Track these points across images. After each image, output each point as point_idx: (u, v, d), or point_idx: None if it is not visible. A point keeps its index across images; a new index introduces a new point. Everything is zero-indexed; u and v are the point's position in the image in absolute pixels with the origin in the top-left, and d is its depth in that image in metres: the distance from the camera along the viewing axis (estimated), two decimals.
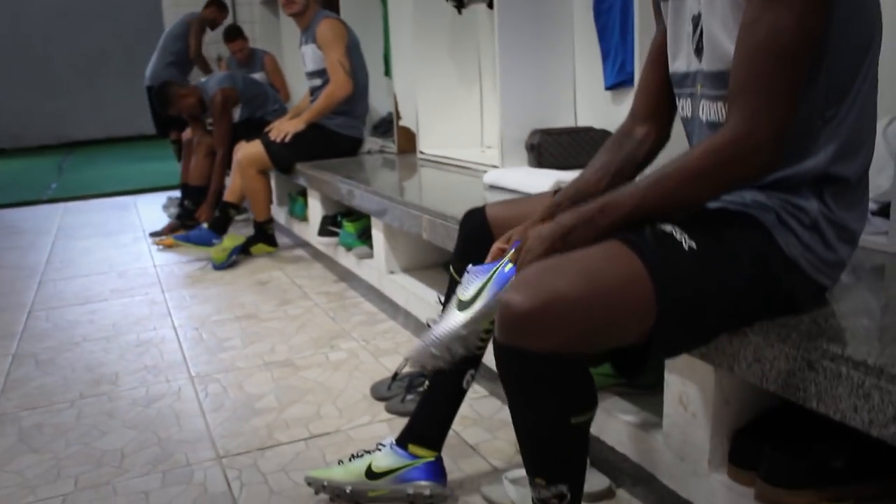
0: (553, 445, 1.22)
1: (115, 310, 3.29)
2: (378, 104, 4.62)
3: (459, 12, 3.39)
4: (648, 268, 1.13)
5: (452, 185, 2.86)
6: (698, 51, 1.27)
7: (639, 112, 1.45)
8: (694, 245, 1.16)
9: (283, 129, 3.84)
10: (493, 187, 2.64)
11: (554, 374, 1.14)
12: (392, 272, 2.90)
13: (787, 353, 1.13)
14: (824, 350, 1.08)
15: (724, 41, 1.18)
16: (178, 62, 5.78)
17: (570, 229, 1.21)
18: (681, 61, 1.33)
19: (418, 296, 2.67)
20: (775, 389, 1.16)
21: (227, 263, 3.80)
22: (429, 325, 1.36)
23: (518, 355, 1.12)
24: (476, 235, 1.61)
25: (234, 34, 5.64)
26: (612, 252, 1.15)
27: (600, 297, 1.11)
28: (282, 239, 4.38)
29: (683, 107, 1.35)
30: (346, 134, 3.93)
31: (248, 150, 3.80)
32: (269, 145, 3.80)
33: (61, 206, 6.41)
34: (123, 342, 2.87)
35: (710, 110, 1.26)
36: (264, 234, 3.94)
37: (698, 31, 1.26)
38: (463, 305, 1.30)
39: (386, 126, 4.47)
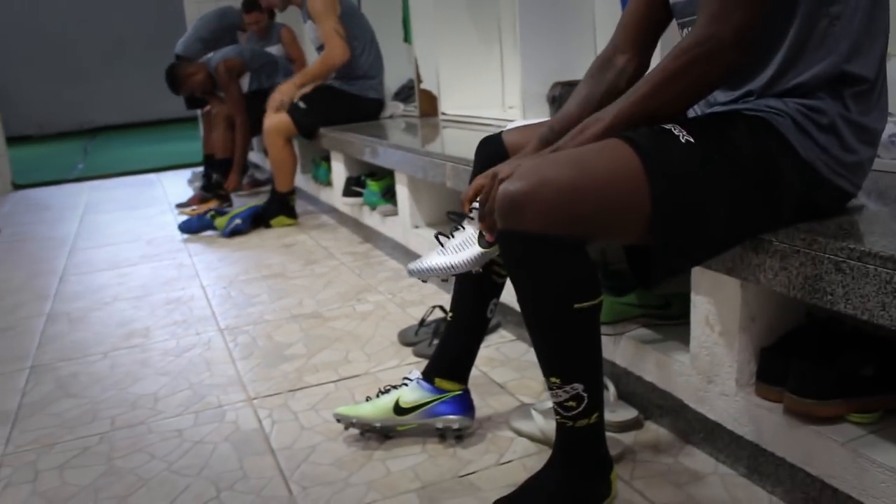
0: (561, 334, 1.24)
1: (144, 272, 3.34)
2: (398, 71, 4.62)
3: None
4: (641, 156, 1.17)
5: (475, 138, 2.86)
6: None
7: (621, 41, 1.49)
8: (692, 139, 1.19)
9: (277, 97, 3.85)
10: None
11: (553, 255, 1.18)
12: (417, 226, 2.91)
13: (814, 257, 1.14)
14: (851, 250, 1.09)
15: None
16: (209, 39, 5.79)
17: (555, 150, 1.27)
18: None
19: None
20: (802, 296, 1.17)
21: (228, 230, 3.84)
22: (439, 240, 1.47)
23: (517, 237, 1.18)
24: (492, 162, 1.62)
25: (251, 6, 5.65)
26: (607, 145, 1.21)
27: (591, 182, 1.17)
28: (306, 206, 4.42)
29: (685, 36, 1.36)
30: (366, 97, 3.96)
31: (274, 120, 3.82)
32: (293, 112, 3.82)
33: (87, 184, 6.49)
34: (153, 300, 2.91)
35: None
36: (286, 205, 3.95)
37: None
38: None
39: (407, 92, 4.48)
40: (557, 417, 1.30)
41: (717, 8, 1.14)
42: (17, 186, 6.51)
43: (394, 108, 4.19)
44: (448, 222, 1.65)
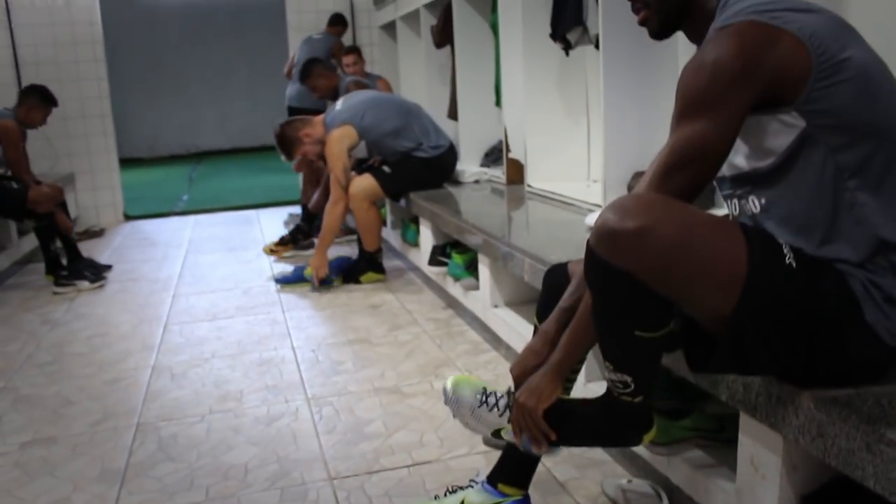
0: (619, 343, 1.43)
1: (239, 327, 3.58)
2: (488, 133, 4.79)
3: (567, 54, 3.53)
4: (749, 249, 1.29)
5: (557, 225, 2.99)
6: None
7: None
8: (794, 264, 1.31)
9: (315, 273, 4.11)
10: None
11: (626, 291, 1.32)
12: (496, 306, 3.06)
13: (848, 433, 1.23)
14: (881, 434, 1.17)
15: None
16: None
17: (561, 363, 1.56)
18: None
19: (519, 332, 2.82)
20: (836, 465, 1.26)
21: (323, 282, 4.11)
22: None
23: (601, 264, 1.32)
24: (558, 292, 1.75)
25: (353, 49, 5.94)
26: (721, 221, 1.35)
27: (691, 249, 1.28)
28: (394, 262, 4.61)
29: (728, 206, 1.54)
30: (436, 156, 4.19)
31: (360, 184, 4.05)
32: (378, 176, 4.05)
33: (192, 218, 6.88)
34: (247, 360, 3.14)
35: (737, 206, 1.49)
36: (374, 262, 4.17)
37: None
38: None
39: (496, 154, 4.64)
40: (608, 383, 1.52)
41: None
42: (129, 217, 6.96)
43: (480, 172, 4.35)
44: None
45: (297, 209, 6.48)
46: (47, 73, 6.51)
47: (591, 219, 2.81)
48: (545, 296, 1.81)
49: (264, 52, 12.19)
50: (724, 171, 1.45)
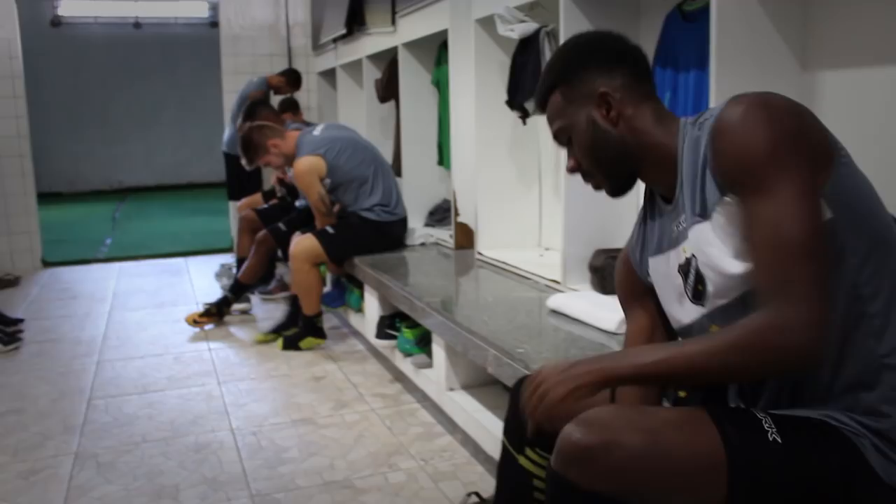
0: None
1: (172, 402, 3.33)
2: (429, 191, 4.66)
3: (524, 122, 3.43)
4: (727, 448, 1.14)
5: (516, 305, 2.85)
6: (697, 296, 1.31)
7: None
8: (779, 439, 1.16)
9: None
10: (556, 313, 2.63)
11: None
12: (452, 389, 2.90)
13: None
14: None
15: (728, 264, 1.22)
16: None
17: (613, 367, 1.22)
18: (682, 315, 1.37)
19: (477, 419, 2.66)
20: None
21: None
22: None
23: (568, 488, 1.16)
24: None
25: (286, 106, 5.74)
26: (691, 419, 1.19)
27: (665, 458, 1.14)
28: (332, 321, 4.41)
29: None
30: (388, 221, 4.05)
31: (302, 244, 3.86)
32: (321, 237, 3.87)
33: (116, 266, 6.54)
34: (182, 445, 2.89)
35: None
36: (314, 327, 3.95)
37: (691, 277, 1.31)
38: None
39: (441, 214, 4.51)
40: None
41: (787, 302, 1.10)
42: (47, 264, 6.57)
43: (426, 234, 4.21)
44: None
45: (228, 258, 6.23)
46: None
47: (553, 302, 2.69)
48: (516, 416, 1.64)
49: (195, 88, 11.90)
50: (710, 305, 1.29)
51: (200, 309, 4.58)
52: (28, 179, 6.44)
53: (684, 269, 1.33)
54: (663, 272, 1.40)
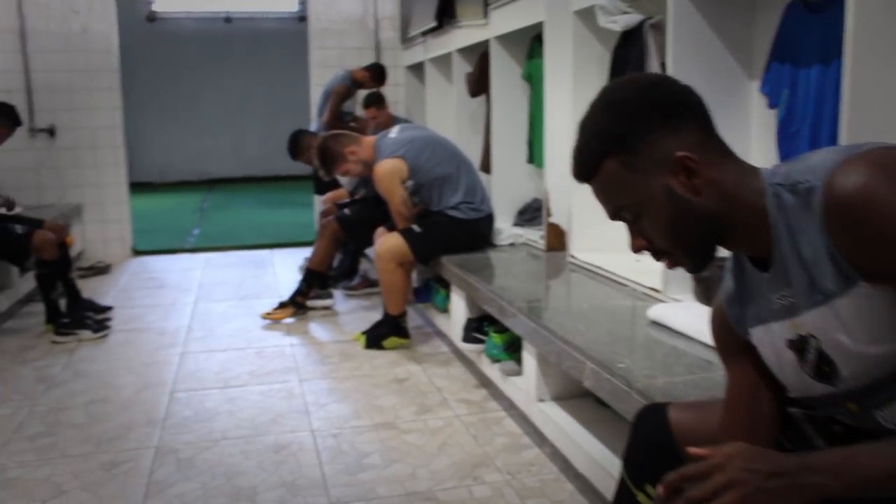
0: None
1: (252, 399, 3.27)
2: (519, 189, 4.50)
3: None
4: None
5: (613, 314, 2.67)
6: (823, 376, 1.12)
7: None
8: None
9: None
10: (657, 324, 2.45)
11: None
12: (542, 399, 2.74)
13: None
14: None
15: (865, 349, 1.06)
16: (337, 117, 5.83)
17: (804, 485, 0.99)
18: (800, 386, 1.19)
19: (569, 434, 2.50)
20: None
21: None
22: None
23: None
24: (655, 442, 1.44)
25: (371, 101, 5.67)
26: None
27: None
28: (417, 321, 4.30)
29: (840, 418, 1.21)
30: (474, 218, 3.92)
31: (388, 243, 3.76)
32: (408, 236, 3.75)
33: (202, 256, 6.59)
34: (262, 445, 2.82)
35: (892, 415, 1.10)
36: (398, 327, 3.85)
37: (810, 356, 1.13)
38: None
39: (530, 213, 4.35)
40: None
41: None
42: (137, 252, 6.67)
43: (514, 234, 4.06)
44: None
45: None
46: (60, 101, 6.28)
47: (654, 312, 2.51)
48: (636, 448, 1.48)
49: (283, 81, 11.99)
50: (843, 385, 1.11)
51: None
52: (121, 170, 6.56)
53: (797, 345, 1.15)
54: (768, 342, 1.21)
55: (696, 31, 2.69)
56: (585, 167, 1.20)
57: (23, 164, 6.20)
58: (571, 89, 3.47)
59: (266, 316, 4.42)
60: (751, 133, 2.79)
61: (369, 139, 4.05)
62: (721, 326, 1.32)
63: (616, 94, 1.20)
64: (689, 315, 2.40)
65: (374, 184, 3.96)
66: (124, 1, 7.04)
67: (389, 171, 3.82)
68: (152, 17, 12.19)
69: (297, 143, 5.11)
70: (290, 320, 4.41)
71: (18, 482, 2.59)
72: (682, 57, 2.66)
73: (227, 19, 12.36)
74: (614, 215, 1.21)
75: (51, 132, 6.28)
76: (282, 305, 4.46)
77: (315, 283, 4.56)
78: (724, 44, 2.74)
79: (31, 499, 2.47)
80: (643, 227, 1.18)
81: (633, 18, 3.07)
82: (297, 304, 4.46)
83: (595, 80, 3.43)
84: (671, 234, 1.17)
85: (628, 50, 3.16)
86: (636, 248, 1.21)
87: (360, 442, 2.82)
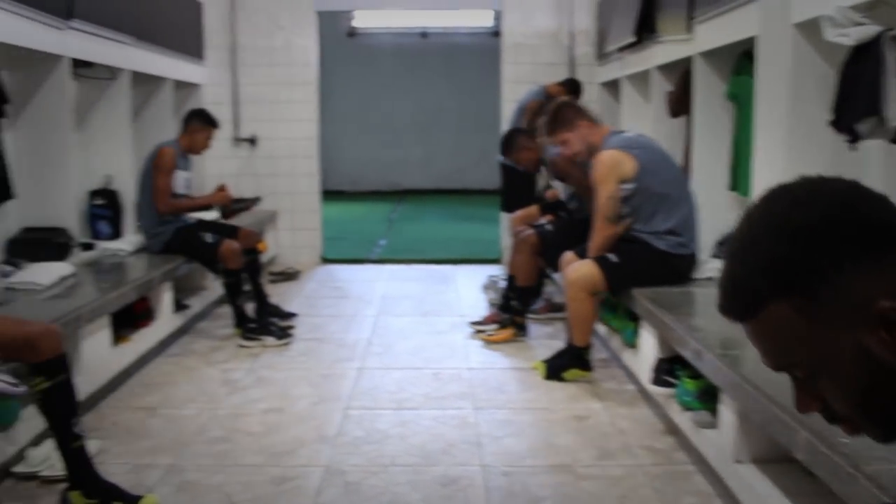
0: None
1: (425, 424, 3.17)
2: (719, 218, 4.12)
3: (853, 147, 2.86)
4: None
5: None
6: None
7: None
8: None
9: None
10: None
11: None
12: (739, 461, 2.43)
13: None
14: None
15: None
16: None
17: None
18: None
19: None
20: None
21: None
22: None
23: None
24: None
25: (566, 85, 5.47)
26: None
27: None
28: (600, 353, 4.04)
29: None
30: (677, 253, 3.56)
31: (581, 270, 3.52)
32: (604, 264, 3.50)
33: (386, 268, 6.66)
34: (430, 476, 2.70)
35: None
36: (581, 359, 3.62)
37: None
38: None
39: None
40: None
41: None
42: (325, 261, 6.84)
43: (714, 268, 3.71)
44: None
45: (496, 269, 6.09)
46: (262, 112, 6.57)
47: None
48: None
49: (474, 96, 12.05)
50: None
51: (469, 321, 4.60)
52: (314, 180, 6.78)
53: None
54: None
55: None
56: (742, 306, 0.89)
57: (226, 171, 6.51)
58: (787, 112, 3.12)
59: (483, 337, 4.36)
60: None
61: (605, 128, 3.83)
62: None
63: (792, 214, 0.86)
64: None
65: (591, 170, 3.66)
66: (326, 17, 7.27)
67: (613, 161, 3.54)
68: (352, 33, 12.64)
69: (513, 140, 4.98)
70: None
71: (194, 487, 2.62)
72: None
73: (423, 34, 12.60)
74: (778, 368, 0.91)
75: (252, 141, 6.59)
76: (501, 326, 4.38)
77: (529, 299, 4.50)
78: None
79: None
80: (819, 388, 0.88)
81: (868, 30, 2.69)
82: (518, 325, 4.37)
83: (815, 102, 3.05)
84: (861, 405, 0.86)
85: (860, 67, 2.78)
86: (804, 410, 0.91)
87: (534, 485, 2.63)
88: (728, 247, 0.91)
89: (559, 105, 3.87)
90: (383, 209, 10.97)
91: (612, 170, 3.54)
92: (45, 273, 3.57)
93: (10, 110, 3.93)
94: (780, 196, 0.89)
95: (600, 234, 3.59)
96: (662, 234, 3.55)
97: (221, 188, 4.70)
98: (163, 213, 4.40)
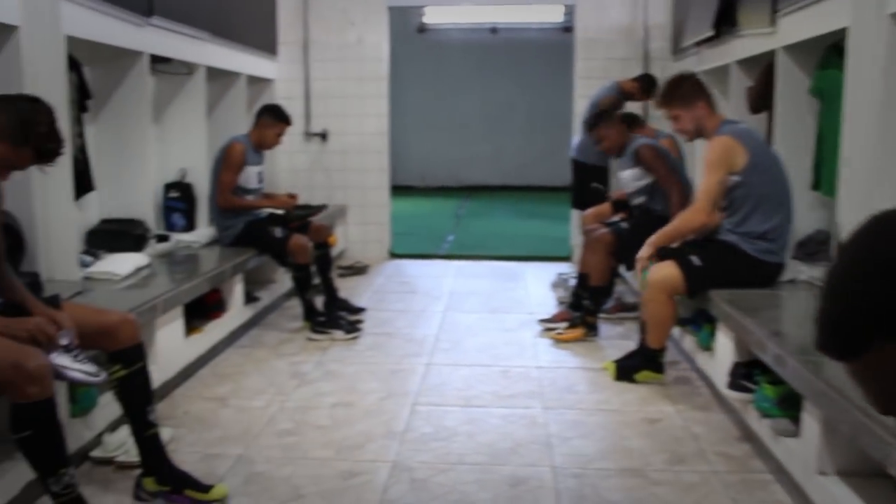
0: None
1: (493, 422, 3.13)
2: (800, 218, 3.96)
3: None
4: None
5: None
6: None
7: None
8: None
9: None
10: None
11: None
12: (824, 473, 2.32)
13: None
14: None
15: None
16: None
17: None
18: None
19: None
20: None
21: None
22: None
23: None
24: None
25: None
26: None
27: None
28: (673, 355, 3.93)
29: None
30: (766, 260, 3.40)
31: (663, 272, 3.40)
32: (686, 267, 3.38)
33: (454, 264, 6.63)
34: (498, 476, 2.66)
35: None
36: (654, 361, 3.53)
37: None
38: None
39: (812, 247, 3.83)
40: None
41: None
42: (394, 255, 6.86)
43: (795, 270, 3.57)
44: None
45: (565, 267, 6.01)
46: (333, 108, 6.61)
47: None
48: None
49: (543, 92, 11.94)
50: None
51: (538, 318, 4.55)
52: (384, 175, 6.79)
53: None
54: None
55: None
56: (843, 346, 0.85)
57: (298, 166, 6.59)
58: (879, 109, 2.97)
59: (553, 336, 4.30)
60: None
61: (720, 115, 3.70)
62: None
63: None
64: None
65: (706, 150, 3.55)
66: (397, 13, 7.27)
67: (728, 148, 3.39)
68: (422, 29, 12.65)
69: (601, 118, 4.74)
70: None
71: (262, 478, 2.63)
72: None
73: (493, 30, 12.52)
74: (888, 412, 0.86)
75: (323, 136, 6.64)
76: (571, 325, 4.33)
77: (602, 298, 4.43)
78: None
79: (270, 497, 2.50)
80: None
81: None
82: (589, 325, 4.31)
83: None
84: None
85: None
86: None
87: (605, 488, 2.57)
88: (826, 281, 0.87)
89: (681, 77, 3.70)
90: (451, 205, 10.95)
91: (725, 156, 3.38)
92: (122, 263, 3.64)
93: (91, 105, 4.05)
94: (884, 230, 0.82)
95: (695, 217, 3.43)
96: (753, 238, 3.39)
97: (291, 196, 4.75)
98: (221, 207, 4.46)
